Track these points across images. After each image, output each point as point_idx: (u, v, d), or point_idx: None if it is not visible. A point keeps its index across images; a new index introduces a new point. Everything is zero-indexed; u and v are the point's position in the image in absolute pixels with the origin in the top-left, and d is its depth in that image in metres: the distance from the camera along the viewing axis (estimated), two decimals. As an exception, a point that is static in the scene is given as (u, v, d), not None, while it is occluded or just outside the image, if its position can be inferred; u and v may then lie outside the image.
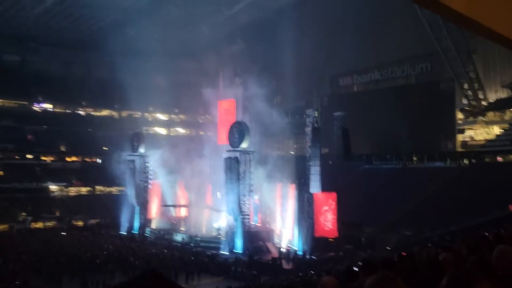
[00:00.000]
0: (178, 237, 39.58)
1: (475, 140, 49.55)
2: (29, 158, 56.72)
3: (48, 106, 63.19)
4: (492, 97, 48.71)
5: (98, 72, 69.15)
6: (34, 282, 26.34)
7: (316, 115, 36.80)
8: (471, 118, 49.31)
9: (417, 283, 2.79)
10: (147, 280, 0.81)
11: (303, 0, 61.26)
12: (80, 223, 50.04)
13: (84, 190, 57.01)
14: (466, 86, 48.91)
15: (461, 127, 50.09)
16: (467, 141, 50.01)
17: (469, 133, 50.35)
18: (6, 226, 45.73)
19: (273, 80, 41.20)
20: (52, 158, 58.54)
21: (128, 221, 45.77)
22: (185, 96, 55.72)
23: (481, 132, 49.51)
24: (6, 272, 27.55)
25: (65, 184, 55.75)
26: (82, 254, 32.42)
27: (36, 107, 62.36)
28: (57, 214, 50.99)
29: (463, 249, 4.63)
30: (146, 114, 70.18)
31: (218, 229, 37.75)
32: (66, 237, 40.41)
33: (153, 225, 44.44)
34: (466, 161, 46.61)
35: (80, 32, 60.97)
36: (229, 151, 36.69)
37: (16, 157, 55.74)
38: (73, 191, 56.43)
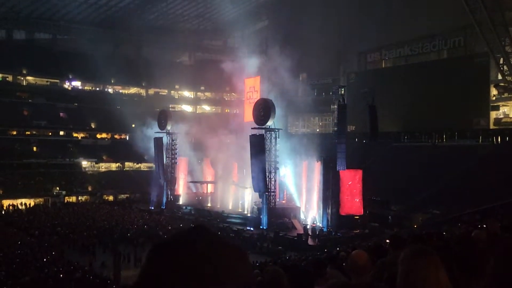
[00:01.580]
0: (205, 213, 40.28)
1: (510, 117, 47.87)
2: (61, 135, 58.39)
3: (78, 84, 64.49)
4: (529, 72, 46.68)
5: (125, 50, 69.90)
6: (69, 254, 27.51)
7: (343, 92, 36.21)
8: (505, 94, 47.53)
9: (449, 259, 2.76)
10: (196, 233, 0.83)
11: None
12: (111, 198, 51.58)
13: (114, 166, 58.50)
14: (501, 60, 46.94)
15: (495, 104, 48.40)
16: (501, 118, 48.37)
17: (503, 109, 48.63)
18: (41, 199, 47.61)
19: (299, 57, 40.64)
20: (83, 135, 60.12)
21: (156, 197, 46.83)
22: (211, 74, 55.73)
23: (516, 109, 47.76)
24: (43, 243, 28.83)
25: (95, 160, 57.31)
26: (113, 227, 33.51)
27: (67, 84, 63.73)
28: (89, 188, 52.66)
29: (497, 227, 4.53)
30: (172, 91, 70.74)
31: (254, 206, 37.74)
32: (98, 211, 41.74)
33: (181, 200, 45.31)
34: (499, 139, 45.14)
35: (107, 9, 61.42)
36: (255, 128, 36.70)
37: (49, 133, 57.43)
38: (103, 166, 57.99)
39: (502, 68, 47.22)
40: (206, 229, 1.06)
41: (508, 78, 47.15)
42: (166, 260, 0.98)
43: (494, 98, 48.37)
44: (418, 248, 1.92)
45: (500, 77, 47.87)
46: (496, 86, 48.12)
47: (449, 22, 50.81)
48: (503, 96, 47.76)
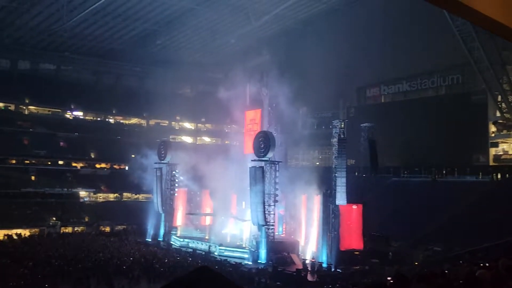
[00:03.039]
0: (203, 246, 39.69)
1: (509, 154, 47.93)
2: (60, 164, 58.25)
3: (79, 113, 64.95)
4: (527, 110, 47.10)
5: (127, 81, 70.86)
6: (63, 286, 26.88)
7: (343, 126, 36.42)
8: (504, 131, 47.75)
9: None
10: (200, 275, 0.81)
11: (331, 10, 61.22)
12: (107, 229, 50.91)
13: (111, 196, 58.09)
14: (499, 98, 47.48)
15: (494, 140, 48.58)
16: (500, 155, 48.43)
17: (502, 146, 48.76)
18: (37, 230, 46.98)
19: (299, 90, 41.13)
20: (82, 165, 59.98)
21: (153, 228, 46.28)
22: (212, 106, 56.18)
23: (515, 146, 47.89)
24: (36, 275, 28.21)
25: (93, 190, 56.96)
26: (109, 259, 32.89)
27: (69, 114, 64.18)
28: (86, 219, 52.07)
29: (501, 267, 4.43)
30: (173, 122, 71.17)
31: (253, 239, 37.11)
32: (94, 242, 41.10)
33: (178, 232, 44.72)
34: (499, 176, 45.03)
35: (111, 42, 62.63)
36: (255, 160, 36.69)
37: (48, 163, 57.31)
38: (101, 197, 57.59)
39: (500, 106, 47.71)
40: (209, 270, 1.04)
41: (507, 115, 47.55)
42: None
43: (493, 135, 48.60)
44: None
45: (498, 114, 48.29)
46: (494, 123, 48.45)
47: (447, 60, 51.74)
48: (502, 133, 47.99)
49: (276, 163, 36.59)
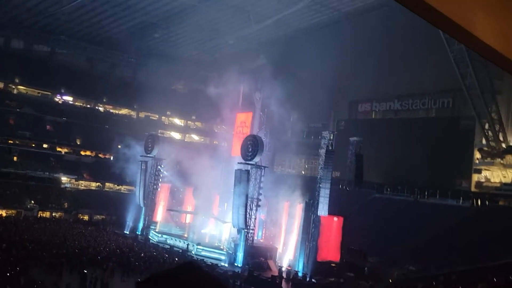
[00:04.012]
0: (181, 243, 39.47)
1: (491, 182, 48.69)
2: (44, 148, 57.47)
3: (69, 98, 64.21)
4: (512, 140, 47.97)
5: (121, 71, 70.36)
6: (34, 271, 26.45)
7: (332, 137, 36.64)
8: (488, 159, 48.50)
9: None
10: (186, 271, 0.81)
11: (331, 22, 61.65)
12: (86, 217, 50.32)
13: (93, 185, 57.46)
14: (486, 126, 48.27)
15: (478, 167, 49.29)
16: (482, 181, 49.15)
17: (485, 173, 49.51)
18: (14, 211, 46.22)
19: (292, 98, 41.29)
20: (66, 150, 59.25)
21: (133, 221, 45.89)
22: (204, 104, 56.07)
23: (498, 175, 48.65)
24: (9, 257, 27.72)
25: (76, 177, 56.29)
26: (84, 248, 32.49)
27: (58, 98, 63.37)
28: (65, 205, 51.38)
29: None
30: (163, 117, 70.83)
31: (231, 241, 37.06)
32: (71, 229, 40.57)
33: (157, 228, 44.42)
34: (479, 202, 45.70)
35: (109, 30, 62.12)
36: (241, 163, 36.68)
37: (32, 145, 56.49)
38: (83, 184, 56.92)
39: (487, 133, 48.48)
40: (195, 266, 1.05)
41: (492, 143, 48.34)
42: None
43: (477, 161, 49.32)
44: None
45: (484, 141, 49.05)
46: (480, 150, 49.18)
47: (440, 83, 52.44)
48: (486, 160, 48.73)
49: (262, 167, 36.63)
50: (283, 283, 30.47)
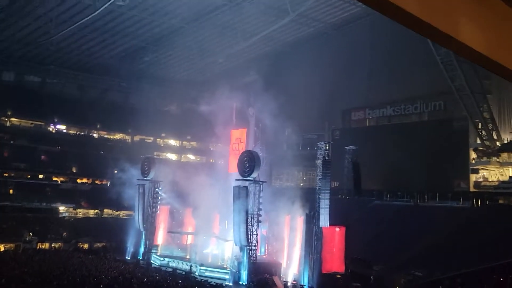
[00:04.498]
0: (183, 265, 39.04)
1: (489, 181, 48.81)
2: (40, 178, 57.07)
3: (62, 127, 64.09)
4: (507, 138, 48.26)
5: (113, 96, 70.43)
6: (36, 304, 26.01)
7: (327, 148, 36.68)
8: (484, 158, 48.73)
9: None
10: None
11: (318, 34, 62.32)
12: (86, 246, 49.74)
13: (92, 212, 57.00)
14: (480, 125, 48.61)
15: (475, 167, 49.47)
16: (480, 181, 49.27)
17: (482, 173, 49.66)
18: (12, 245, 45.61)
19: (285, 111, 41.46)
20: (62, 179, 58.88)
21: (134, 246, 45.40)
22: (198, 124, 56.19)
23: (495, 173, 48.83)
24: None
25: (73, 205, 55.84)
26: (85, 277, 32.01)
27: (51, 128, 63.25)
28: (64, 235, 50.81)
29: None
30: (158, 139, 70.72)
31: (234, 260, 36.65)
32: (71, 259, 40.03)
33: (159, 251, 43.95)
34: (479, 202, 45.74)
35: (99, 56, 62.43)
36: (239, 180, 36.54)
37: (28, 176, 56.10)
38: (81, 213, 56.44)
39: (480, 133, 48.80)
40: None
41: (487, 142, 48.62)
42: None
43: (473, 162, 49.51)
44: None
45: (479, 141, 49.34)
46: (475, 150, 49.44)
47: (431, 87, 52.93)
48: (482, 160, 48.95)
49: (261, 183, 36.48)
50: (290, 299, 30.11)
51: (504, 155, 47.91)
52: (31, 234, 48.59)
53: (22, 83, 63.65)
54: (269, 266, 36.19)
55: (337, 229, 34.91)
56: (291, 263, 35.88)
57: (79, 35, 55.84)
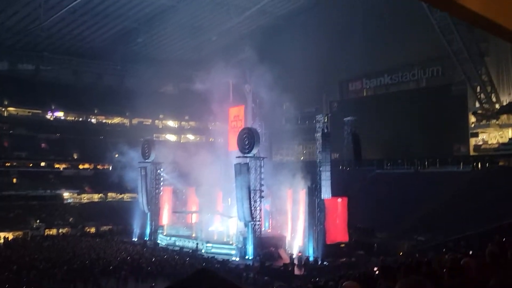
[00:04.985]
0: (190, 243, 39.63)
1: (488, 144, 48.96)
2: (42, 166, 57.31)
3: (60, 114, 63.91)
4: (506, 99, 48.15)
5: (108, 80, 69.91)
6: (48, 289, 26.57)
7: (326, 120, 36.67)
8: (484, 121, 48.75)
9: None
10: (200, 277, 0.82)
11: (311, 5, 61.42)
12: (93, 230, 50.41)
13: (96, 197, 57.45)
14: (478, 89, 48.43)
15: (474, 131, 49.55)
16: (480, 144, 49.43)
17: (482, 136, 49.78)
18: (20, 233, 46.20)
19: (282, 86, 41.24)
20: (65, 166, 59.12)
21: (139, 228, 46.01)
22: (195, 103, 55.98)
23: (495, 136, 48.92)
24: (21, 279, 27.79)
25: (77, 191, 56.24)
26: (95, 260, 32.59)
27: (49, 115, 63.08)
28: (70, 220, 51.41)
29: (487, 254, 4.55)
30: (156, 121, 70.62)
31: (239, 236, 37.13)
32: (79, 243, 40.65)
33: (165, 231, 44.55)
34: (479, 165, 46.02)
35: (91, 40, 61.68)
36: (239, 157, 36.71)
37: (30, 164, 56.33)
38: (85, 198, 56.89)
39: (479, 96, 48.65)
40: (209, 272, 1.06)
41: (486, 105, 48.53)
42: None
43: (473, 125, 49.56)
44: (413, 280, 1.93)
45: (477, 104, 49.25)
46: (474, 114, 49.40)
47: (428, 52, 52.45)
48: (481, 123, 48.97)
49: (261, 158, 36.67)
50: (296, 270, 30.69)
51: (504, 117, 47.91)
52: (38, 221, 49.15)
53: (16, 72, 63.03)
54: (274, 240, 36.75)
55: (339, 200, 35.27)
56: (296, 235, 36.40)
57: (70, 20, 55.05)
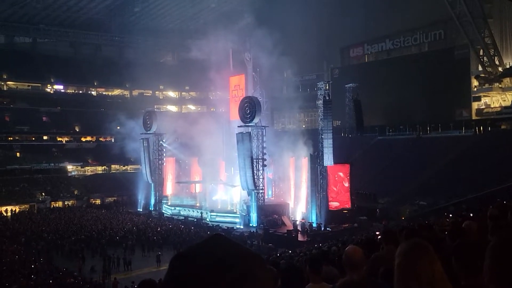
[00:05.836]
0: (194, 213, 40.21)
1: (491, 108, 48.73)
2: (45, 139, 57.49)
3: (60, 87, 63.57)
4: (509, 62, 47.55)
5: (107, 52, 69.14)
6: (57, 260, 27.19)
7: (327, 87, 36.40)
8: (486, 85, 48.34)
9: (443, 251, 2.81)
10: (215, 242, 0.84)
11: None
12: (98, 202, 51.07)
13: (99, 169, 57.89)
14: (481, 52, 47.75)
15: (477, 95, 49.23)
16: (482, 108, 49.22)
17: (484, 100, 49.48)
18: (27, 206, 46.86)
19: (282, 53, 40.68)
20: (67, 139, 59.32)
21: (144, 198, 46.56)
22: (195, 73, 55.46)
23: (497, 99, 48.64)
24: (30, 250, 28.42)
25: (81, 163, 56.64)
26: (101, 231, 33.19)
27: (49, 88, 62.75)
28: (75, 193, 52.03)
29: (488, 217, 4.62)
30: (157, 92, 70.27)
31: (243, 204, 37.59)
32: (85, 215, 41.28)
33: (169, 201, 45.11)
34: (481, 129, 45.92)
35: (87, 11, 60.64)
36: (241, 126, 36.67)
37: (32, 138, 56.51)
38: (89, 170, 57.34)
39: (482, 60, 48.04)
40: (224, 238, 1.07)
41: (488, 69, 48.00)
42: (187, 269, 0.98)
43: (475, 89, 49.18)
44: (414, 242, 1.95)
45: (480, 68, 48.70)
46: (477, 78, 48.93)
47: (430, 15, 51.45)
48: (484, 87, 48.58)
49: (263, 127, 36.64)
50: (299, 236, 31.22)
51: (506, 80, 47.47)
52: (43, 194, 49.76)
53: (13, 45, 62.35)
54: (278, 207, 37.20)
55: (342, 167, 35.46)
56: (299, 203, 36.81)
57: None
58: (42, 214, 43.44)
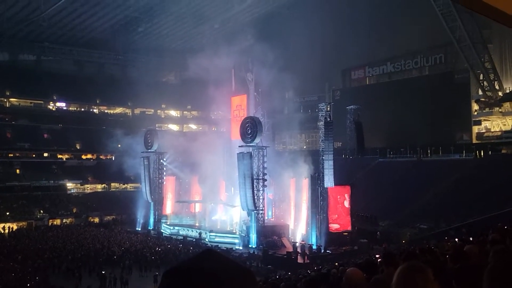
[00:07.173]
0: (193, 233, 39.88)
1: (491, 132, 48.82)
2: (45, 157, 57.49)
3: (62, 104, 63.92)
4: (509, 87, 47.87)
5: (110, 70, 69.80)
6: (53, 278, 26.83)
7: (328, 108, 36.59)
8: (487, 109, 48.55)
9: (443, 274, 2.77)
10: (206, 257, 0.84)
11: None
12: (96, 220, 50.73)
13: (99, 187, 57.72)
14: (481, 76, 48.15)
15: (477, 118, 49.38)
16: (483, 132, 49.30)
17: (485, 124, 49.61)
18: (24, 223, 46.54)
19: (284, 75, 41.04)
20: (67, 156, 59.31)
21: (143, 217, 46.26)
22: (197, 92, 55.84)
23: (497, 123, 48.77)
24: (26, 268, 28.08)
25: (80, 181, 56.50)
26: (99, 250, 32.87)
27: (51, 105, 63.13)
28: (74, 211, 51.72)
29: (490, 241, 4.58)
30: (159, 111, 70.59)
31: (243, 224, 37.32)
32: (83, 233, 40.96)
33: (168, 220, 44.80)
34: (482, 153, 45.91)
35: (92, 30, 61.46)
36: (242, 146, 36.71)
37: (33, 155, 56.52)
38: (88, 188, 57.16)
39: (482, 84, 48.39)
40: (216, 253, 1.07)
41: (488, 93, 48.30)
42: (180, 284, 0.98)
43: (475, 113, 49.37)
44: (412, 265, 1.95)
45: (480, 92, 49.01)
46: (477, 102, 49.19)
47: (430, 40, 52.09)
48: (484, 111, 48.78)
49: (264, 148, 36.67)
50: (299, 258, 30.87)
51: (507, 104, 47.69)
52: (41, 211, 49.48)
53: (17, 63, 63.02)
54: (277, 229, 36.90)
55: (342, 188, 35.33)
56: (299, 224, 36.53)
57: (70, 9, 54.83)
58: (40, 231, 43.09)
